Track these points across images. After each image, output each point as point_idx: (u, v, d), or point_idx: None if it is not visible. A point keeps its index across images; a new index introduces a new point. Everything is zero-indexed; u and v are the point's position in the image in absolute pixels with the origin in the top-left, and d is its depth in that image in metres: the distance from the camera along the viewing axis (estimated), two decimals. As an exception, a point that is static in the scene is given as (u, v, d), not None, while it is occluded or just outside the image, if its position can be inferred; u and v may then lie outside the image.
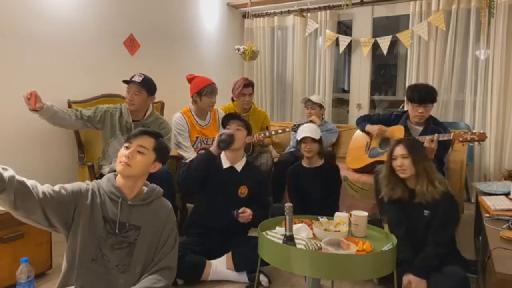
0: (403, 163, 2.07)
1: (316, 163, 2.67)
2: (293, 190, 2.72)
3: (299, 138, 2.62)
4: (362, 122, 3.21)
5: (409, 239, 2.06)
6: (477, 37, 3.57)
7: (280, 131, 3.41)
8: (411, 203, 2.10)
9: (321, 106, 3.58)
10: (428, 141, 2.56)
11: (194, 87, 3.07)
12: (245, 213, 2.31)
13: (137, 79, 2.66)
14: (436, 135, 2.59)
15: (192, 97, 3.10)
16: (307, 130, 2.62)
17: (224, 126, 2.49)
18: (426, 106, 2.79)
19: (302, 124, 3.27)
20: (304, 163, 2.70)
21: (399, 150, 2.11)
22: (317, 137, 2.58)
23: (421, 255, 2.00)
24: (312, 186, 2.63)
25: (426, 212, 2.07)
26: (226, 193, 2.37)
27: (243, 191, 2.41)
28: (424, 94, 2.79)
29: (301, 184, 2.66)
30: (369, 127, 3.11)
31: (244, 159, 2.49)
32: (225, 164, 2.43)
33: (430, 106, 2.81)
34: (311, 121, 3.33)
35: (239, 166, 2.44)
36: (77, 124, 2.64)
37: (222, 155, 2.46)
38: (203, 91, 3.03)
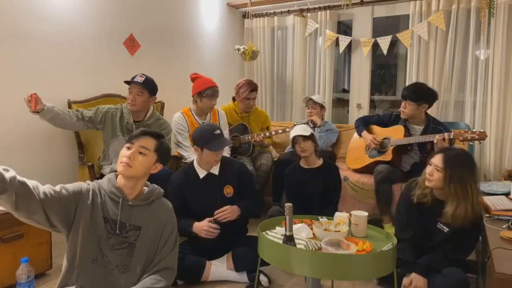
0: (432, 173, 1.98)
1: (314, 164, 2.59)
2: (291, 192, 2.65)
3: (291, 138, 2.57)
4: (360, 125, 3.21)
5: (414, 241, 2.05)
6: (477, 37, 3.56)
7: (280, 131, 3.41)
8: (432, 212, 2.04)
9: (322, 107, 3.58)
10: (440, 140, 2.57)
11: (196, 87, 3.06)
12: (223, 213, 2.26)
13: (139, 79, 2.65)
14: (446, 134, 2.61)
15: (193, 96, 3.10)
16: (296, 129, 2.57)
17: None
18: (406, 102, 2.84)
19: (302, 124, 3.29)
20: (302, 164, 2.62)
21: (437, 160, 1.98)
22: (307, 134, 2.49)
23: (429, 257, 1.99)
24: (312, 187, 2.56)
25: (445, 229, 2.02)
26: (213, 200, 2.32)
27: (228, 190, 2.37)
28: (406, 91, 2.87)
29: (300, 186, 2.59)
30: (364, 134, 3.12)
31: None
32: (202, 173, 2.36)
33: (411, 104, 2.83)
34: (312, 121, 3.33)
35: (215, 170, 2.37)
36: (78, 125, 2.64)
37: (196, 165, 2.38)
38: (204, 92, 3.02)
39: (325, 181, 2.57)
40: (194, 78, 3.12)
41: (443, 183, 1.94)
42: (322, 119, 3.62)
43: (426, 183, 2.01)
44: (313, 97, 3.56)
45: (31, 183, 1.36)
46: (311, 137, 2.53)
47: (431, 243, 2.06)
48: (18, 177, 1.31)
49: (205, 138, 2.28)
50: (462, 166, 1.95)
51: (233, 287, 2.24)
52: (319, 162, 2.61)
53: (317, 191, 2.56)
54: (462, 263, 2.05)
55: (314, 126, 3.17)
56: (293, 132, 2.56)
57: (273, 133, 3.42)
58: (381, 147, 3.03)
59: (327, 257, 1.54)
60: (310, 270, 1.55)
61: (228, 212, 2.27)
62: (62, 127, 2.61)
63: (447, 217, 1.95)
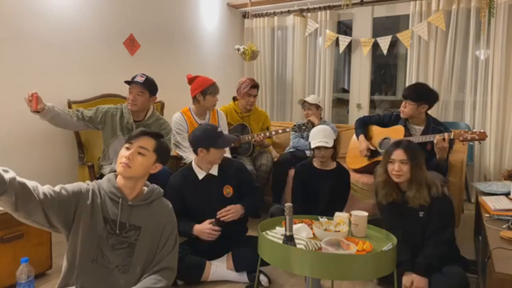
0: (401, 168, 2.02)
1: (328, 166, 2.60)
2: (299, 188, 2.64)
3: (312, 146, 2.52)
4: (359, 127, 3.20)
5: (406, 241, 2.05)
6: (477, 37, 3.57)
7: (280, 131, 3.41)
8: (405, 205, 2.08)
9: (317, 107, 3.58)
10: (441, 140, 2.57)
11: (198, 86, 3.06)
12: (227, 213, 2.26)
13: (140, 79, 2.65)
14: (446, 134, 2.61)
15: (195, 96, 3.08)
16: (321, 136, 2.51)
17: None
18: (406, 102, 2.85)
19: (303, 124, 3.29)
20: (316, 164, 2.62)
21: (399, 154, 2.04)
22: (330, 145, 2.48)
23: (422, 255, 2.00)
24: (320, 188, 2.56)
25: (421, 213, 2.06)
26: (213, 201, 2.31)
27: (228, 190, 2.37)
28: (407, 91, 2.88)
29: (309, 184, 2.59)
30: (361, 139, 3.12)
31: None
32: (201, 174, 2.35)
33: (411, 104, 2.83)
34: (310, 121, 3.33)
35: (214, 170, 2.36)
36: (78, 125, 2.64)
37: (195, 166, 2.37)
38: (208, 90, 3.04)
39: (334, 184, 2.58)
40: (192, 78, 3.12)
41: (410, 172, 2.03)
42: (321, 118, 3.62)
43: (396, 180, 2.06)
44: (307, 99, 3.57)
45: (30, 183, 1.36)
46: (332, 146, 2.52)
47: (419, 234, 2.07)
48: (18, 178, 1.31)
49: (210, 137, 2.28)
50: (419, 152, 2.09)
51: (233, 287, 2.24)
52: (333, 165, 2.62)
53: (324, 191, 2.56)
54: (462, 262, 2.06)
55: (313, 126, 3.17)
56: (316, 139, 2.51)
57: (273, 133, 3.42)
58: (382, 147, 3.03)
59: (327, 257, 1.54)
60: (310, 270, 1.55)
61: (232, 212, 2.28)
62: (63, 127, 2.61)
63: (416, 200, 2.03)
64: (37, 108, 2.31)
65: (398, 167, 2.03)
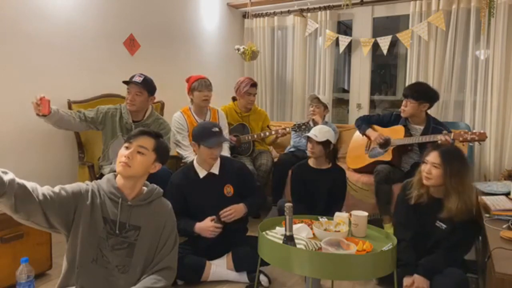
0: (430, 171, 1.98)
1: (322, 165, 2.61)
2: (296, 189, 2.66)
3: (305, 134, 2.61)
4: (361, 124, 3.20)
5: (415, 242, 2.05)
6: (477, 37, 3.56)
7: (280, 131, 3.41)
8: (429, 211, 2.04)
9: (325, 107, 3.59)
10: (445, 142, 2.57)
11: (188, 85, 3.13)
12: (227, 212, 2.27)
13: (138, 79, 2.65)
14: (447, 134, 2.61)
15: (188, 96, 3.13)
16: (315, 130, 2.56)
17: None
18: (407, 101, 2.84)
19: (303, 124, 3.29)
20: (311, 163, 2.64)
21: (433, 157, 2.00)
22: (319, 140, 2.49)
23: (430, 258, 1.99)
24: (317, 187, 2.57)
25: (443, 226, 2.03)
26: (213, 199, 2.32)
27: (228, 190, 2.37)
28: (408, 89, 2.90)
29: (305, 184, 2.60)
30: (369, 132, 3.11)
31: (219, 159, 2.41)
32: (202, 173, 2.36)
33: (412, 103, 2.83)
34: (313, 120, 3.33)
35: (215, 169, 2.37)
36: (81, 126, 2.64)
37: (196, 164, 2.38)
38: (193, 86, 3.07)
39: (331, 183, 2.59)
40: (187, 79, 3.16)
41: (443, 179, 1.96)
42: (323, 119, 3.62)
43: (425, 182, 2.01)
44: (319, 96, 3.57)
45: (30, 185, 1.36)
46: (323, 143, 2.52)
47: (430, 242, 2.06)
48: (17, 180, 1.31)
49: (203, 134, 2.29)
50: (459, 161, 2.01)
51: (233, 287, 2.24)
52: (327, 165, 2.63)
53: (322, 191, 2.57)
54: (462, 262, 2.06)
55: (315, 125, 3.16)
56: (311, 131, 2.57)
57: (273, 132, 3.42)
58: (386, 144, 3.02)
59: (327, 257, 1.54)
60: (310, 270, 1.55)
61: (232, 212, 2.28)
62: (65, 128, 2.61)
63: (450, 213, 1.95)
64: (47, 112, 2.29)
65: (428, 169, 1.99)
